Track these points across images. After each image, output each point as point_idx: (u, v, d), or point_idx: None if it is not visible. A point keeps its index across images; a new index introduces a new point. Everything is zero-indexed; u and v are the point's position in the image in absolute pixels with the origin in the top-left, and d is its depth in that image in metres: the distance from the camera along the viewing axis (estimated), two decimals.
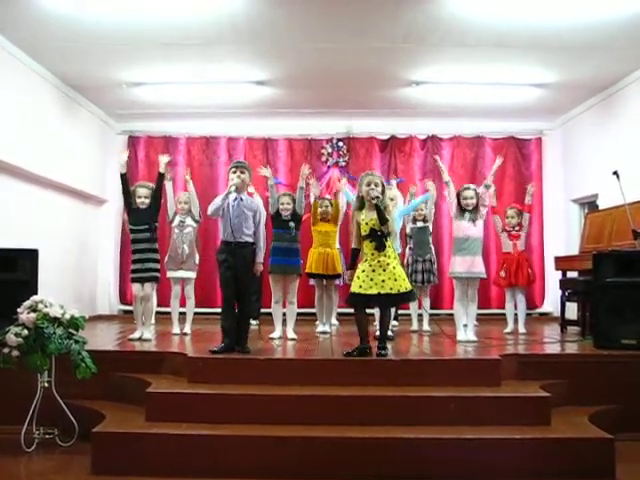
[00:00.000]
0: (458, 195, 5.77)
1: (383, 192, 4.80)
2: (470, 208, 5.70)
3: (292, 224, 5.92)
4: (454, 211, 5.79)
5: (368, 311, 4.93)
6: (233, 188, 4.98)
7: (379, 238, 4.71)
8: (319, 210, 6.50)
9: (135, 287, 5.79)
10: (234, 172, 5.08)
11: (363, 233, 4.80)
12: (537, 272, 8.90)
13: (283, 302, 6.04)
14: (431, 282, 6.66)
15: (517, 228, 6.65)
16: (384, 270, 4.67)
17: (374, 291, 4.64)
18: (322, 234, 6.46)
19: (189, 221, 6.42)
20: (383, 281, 4.64)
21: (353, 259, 4.93)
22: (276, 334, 5.93)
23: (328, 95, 8.03)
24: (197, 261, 6.54)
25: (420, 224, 6.68)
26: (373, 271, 4.68)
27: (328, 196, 7.47)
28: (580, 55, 6.46)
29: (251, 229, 5.02)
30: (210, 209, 5.02)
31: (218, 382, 4.37)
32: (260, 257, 5.11)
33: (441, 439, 3.76)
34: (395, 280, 4.66)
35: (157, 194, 5.78)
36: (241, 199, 5.03)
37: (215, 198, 5.12)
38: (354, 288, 4.72)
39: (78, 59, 6.63)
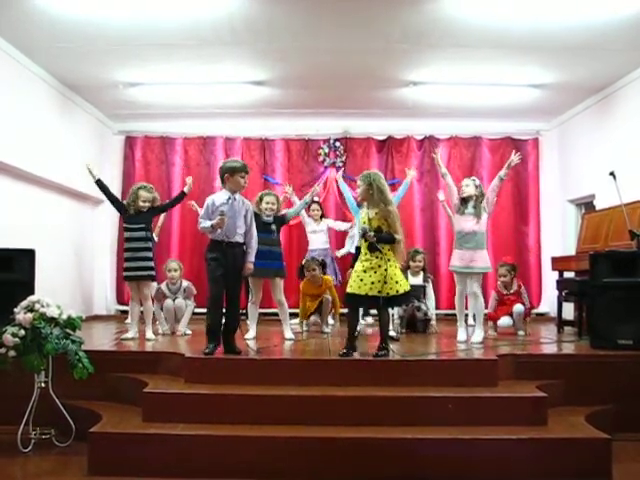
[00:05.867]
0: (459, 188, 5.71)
1: (370, 186, 4.74)
2: (465, 195, 5.58)
3: (274, 227, 5.88)
4: (455, 202, 5.65)
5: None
6: (224, 227, 4.81)
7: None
8: None
9: (130, 286, 5.82)
10: (242, 177, 4.97)
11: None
12: (534, 273, 8.97)
13: (261, 303, 6.05)
14: None
15: (511, 291, 6.42)
16: (375, 272, 4.66)
17: (362, 292, 4.66)
18: None
19: None
20: (372, 283, 4.64)
21: (355, 258, 4.93)
22: (250, 334, 5.78)
23: (325, 95, 8.03)
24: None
25: None
26: (364, 272, 4.68)
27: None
28: (577, 56, 6.47)
29: (242, 229, 4.96)
30: (202, 228, 4.93)
31: (215, 382, 4.37)
32: (252, 257, 5.01)
33: (438, 439, 3.76)
34: (385, 283, 4.63)
35: (166, 208, 6.28)
36: (234, 199, 4.96)
37: (205, 211, 4.93)
38: (348, 288, 4.77)
39: (75, 59, 6.62)
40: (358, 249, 4.95)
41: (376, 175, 4.86)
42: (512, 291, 6.45)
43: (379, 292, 4.62)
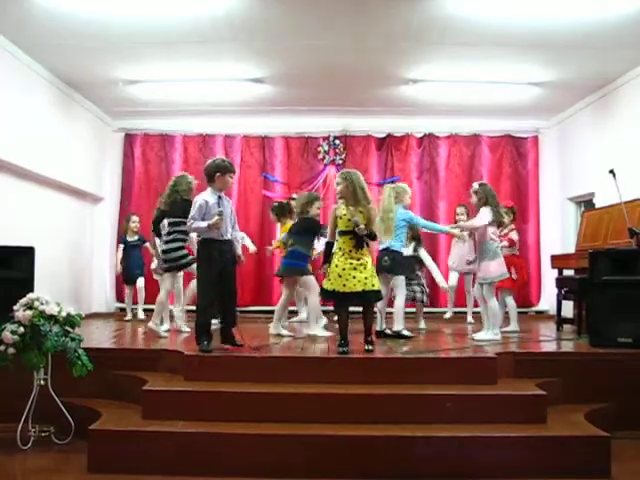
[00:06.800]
0: None
1: (352, 184, 4.77)
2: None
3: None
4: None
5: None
6: (222, 226, 4.85)
7: (360, 236, 4.72)
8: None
9: (169, 279, 5.92)
10: (231, 177, 5.09)
11: (344, 228, 4.78)
12: (533, 270, 8.96)
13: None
14: None
15: (504, 231, 6.48)
16: (365, 268, 4.72)
17: (359, 288, 4.67)
18: None
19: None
20: (366, 278, 4.69)
21: (328, 253, 4.88)
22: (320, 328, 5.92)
23: (325, 93, 8.02)
24: None
25: None
26: (354, 269, 4.70)
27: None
28: (577, 54, 6.46)
29: (230, 225, 5.02)
30: (194, 229, 4.96)
31: (214, 380, 4.37)
32: (239, 250, 5.30)
33: (438, 437, 3.76)
34: (375, 277, 4.79)
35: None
36: (221, 197, 5.00)
37: (198, 212, 4.86)
38: (338, 287, 4.70)
39: (74, 56, 6.61)
40: (328, 245, 4.90)
41: (356, 174, 4.89)
42: (505, 231, 6.53)
43: (373, 285, 4.72)
